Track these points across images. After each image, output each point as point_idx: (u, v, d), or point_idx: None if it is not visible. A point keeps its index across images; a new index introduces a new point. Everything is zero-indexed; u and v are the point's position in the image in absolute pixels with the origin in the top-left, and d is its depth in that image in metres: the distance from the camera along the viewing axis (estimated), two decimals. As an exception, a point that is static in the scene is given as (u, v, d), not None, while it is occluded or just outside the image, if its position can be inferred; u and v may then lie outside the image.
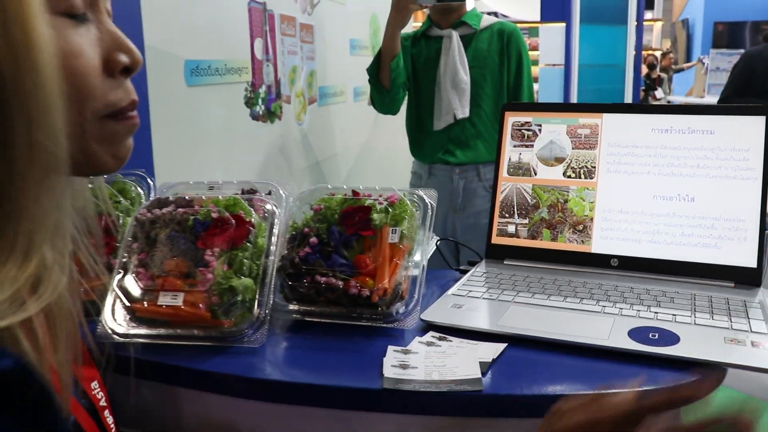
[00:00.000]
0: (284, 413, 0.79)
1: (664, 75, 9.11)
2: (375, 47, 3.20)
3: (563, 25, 4.74)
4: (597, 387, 0.68)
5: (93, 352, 0.70)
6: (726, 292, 0.94)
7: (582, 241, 1.06)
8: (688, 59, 10.19)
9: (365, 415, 0.76)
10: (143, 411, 0.85)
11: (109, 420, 0.68)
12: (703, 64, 8.05)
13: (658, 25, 9.59)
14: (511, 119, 1.15)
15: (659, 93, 8.61)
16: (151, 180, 1.11)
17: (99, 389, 0.69)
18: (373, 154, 3.24)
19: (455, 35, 2.25)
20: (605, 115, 1.09)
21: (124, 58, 0.54)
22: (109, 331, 0.83)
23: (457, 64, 2.25)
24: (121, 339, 0.83)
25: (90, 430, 0.64)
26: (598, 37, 5.04)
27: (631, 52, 5.34)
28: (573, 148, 1.10)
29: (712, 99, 7.06)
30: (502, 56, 2.28)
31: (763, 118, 1.00)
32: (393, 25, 2.16)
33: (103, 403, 0.69)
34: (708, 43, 9.90)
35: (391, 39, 2.18)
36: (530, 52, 2.51)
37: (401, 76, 2.25)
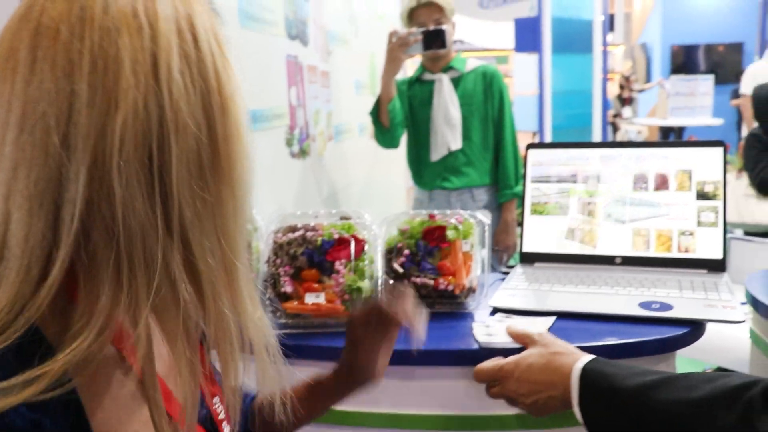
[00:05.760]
0: (403, 373, 1.12)
1: (636, 95, 9.62)
2: (373, 86, 3.57)
3: (535, 55, 5.12)
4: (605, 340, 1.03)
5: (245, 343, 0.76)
6: (701, 276, 1.30)
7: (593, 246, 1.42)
8: (648, 81, 10.77)
9: (463, 370, 1.09)
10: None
11: (226, 430, 0.77)
12: (664, 87, 8.51)
13: (620, 49, 10.17)
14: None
15: (626, 112, 9.08)
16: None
17: (219, 404, 0.78)
18: (375, 183, 3.60)
19: (445, 78, 2.64)
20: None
21: None
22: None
23: (448, 103, 2.62)
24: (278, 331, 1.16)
25: None
26: (568, 65, 5.45)
27: (598, 77, 5.78)
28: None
29: (676, 121, 7.55)
30: (486, 94, 2.66)
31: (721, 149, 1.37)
32: (387, 73, 2.51)
33: (222, 416, 0.78)
34: (666, 65, 10.47)
35: (387, 85, 2.53)
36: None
37: (398, 116, 2.60)
